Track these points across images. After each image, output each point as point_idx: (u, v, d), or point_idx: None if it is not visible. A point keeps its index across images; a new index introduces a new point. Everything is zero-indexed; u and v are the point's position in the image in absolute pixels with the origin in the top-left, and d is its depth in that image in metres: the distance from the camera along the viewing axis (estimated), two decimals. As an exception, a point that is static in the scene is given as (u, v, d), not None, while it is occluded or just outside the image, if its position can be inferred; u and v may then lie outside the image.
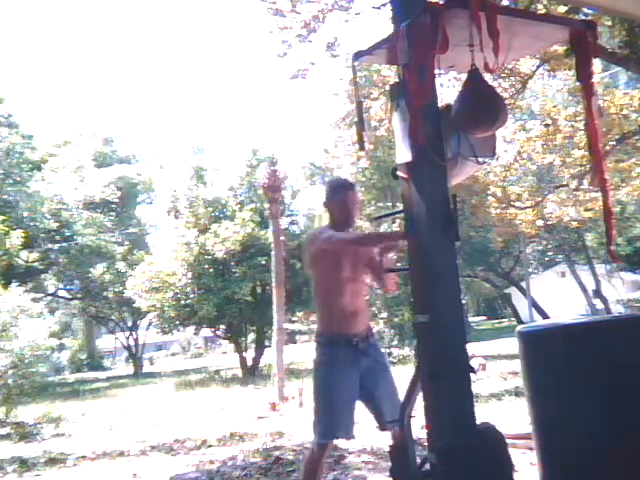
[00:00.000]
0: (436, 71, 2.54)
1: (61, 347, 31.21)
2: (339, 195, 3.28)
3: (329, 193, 3.36)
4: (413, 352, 13.29)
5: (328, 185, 3.61)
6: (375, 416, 3.17)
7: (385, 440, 4.78)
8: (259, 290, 17.55)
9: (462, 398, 2.48)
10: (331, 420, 3.08)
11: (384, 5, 8.64)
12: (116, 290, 23.77)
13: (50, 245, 22.49)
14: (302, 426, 6.93)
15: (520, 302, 28.60)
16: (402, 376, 3.34)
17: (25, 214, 20.24)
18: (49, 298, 28.78)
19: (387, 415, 3.06)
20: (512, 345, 4.56)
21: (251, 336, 19.98)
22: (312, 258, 3.27)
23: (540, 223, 14.21)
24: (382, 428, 3.17)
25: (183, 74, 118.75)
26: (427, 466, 2.50)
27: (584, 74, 2.73)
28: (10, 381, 9.51)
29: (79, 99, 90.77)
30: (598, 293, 24.49)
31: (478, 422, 2.50)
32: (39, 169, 24.14)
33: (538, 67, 9.81)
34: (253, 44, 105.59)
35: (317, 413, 3.14)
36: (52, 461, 6.17)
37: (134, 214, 29.05)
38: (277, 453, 5.50)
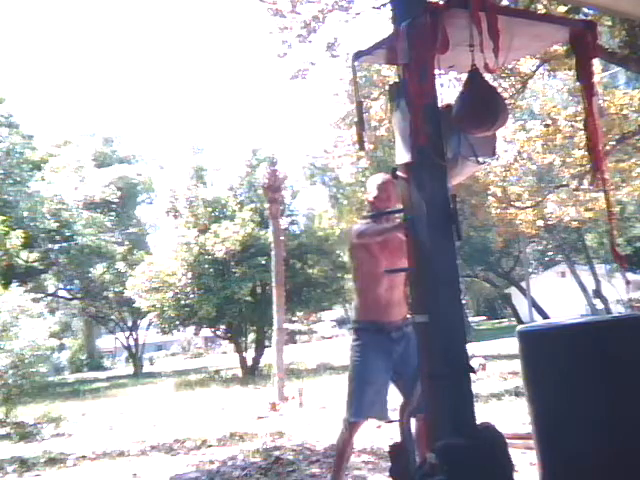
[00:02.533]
0: (436, 71, 2.54)
1: (61, 347, 31.26)
2: (384, 189, 3.46)
3: (375, 187, 3.51)
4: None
5: (374, 180, 3.66)
6: (404, 404, 3.25)
7: (385, 440, 4.80)
8: (259, 290, 17.55)
9: (462, 398, 2.48)
10: (363, 401, 3.25)
11: (384, 5, 8.64)
12: (116, 290, 23.79)
13: (50, 245, 22.47)
14: (302, 426, 6.94)
15: (520, 302, 28.60)
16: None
17: (25, 214, 20.22)
18: (49, 298, 28.76)
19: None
20: (512, 345, 4.55)
21: (251, 336, 19.99)
22: (350, 250, 3.57)
23: (540, 223, 14.22)
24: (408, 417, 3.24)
25: (183, 74, 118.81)
26: (427, 466, 2.50)
27: (584, 74, 2.72)
28: (10, 381, 9.52)
29: (79, 99, 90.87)
30: (598, 293, 24.49)
31: (478, 422, 2.50)
32: (39, 169, 24.13)
33: (538, 67, 9.80)
34: (253, 44, 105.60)
35: (350, 393, 3.32)
36: (52, 461, 6.16)
37: (134, 214, 29.03)
38: (277, 453, 5.49)
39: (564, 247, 27.11)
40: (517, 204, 13.62)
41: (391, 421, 3.21)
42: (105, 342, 40.98)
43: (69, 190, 22.92)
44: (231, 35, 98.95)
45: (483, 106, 2.46)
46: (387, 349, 3.30)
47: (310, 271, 18.29)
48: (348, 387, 3.35)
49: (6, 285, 11.96)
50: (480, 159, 2.70)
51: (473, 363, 2.87)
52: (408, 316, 3.43)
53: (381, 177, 3.66)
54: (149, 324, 26.45)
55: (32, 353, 9.92)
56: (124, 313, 27.14)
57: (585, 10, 5.91)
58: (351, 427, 3.30)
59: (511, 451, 2.55)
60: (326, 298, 19.40)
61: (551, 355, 2.48)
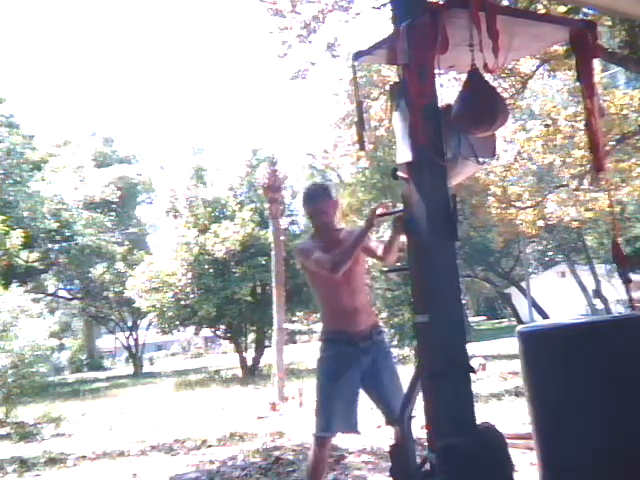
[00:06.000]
0: (436, 71, 2.54)
1: (61, 347, 31.23)
2: (316, 203, 3.28)
3: (305, 202, 3.35)
4: (413, 352, 13.29)
5: (304, 194, 3.47)
6: (382, 412, 3.24)
7: (385, 440, 4.80)
8: (259, 290, 17.54)
9: (462, 398, 2.48)
10: (329, 415, 3.14)
11: (384, 5, 8.65)
12: (116, 290, 23.77)
13: (50, 245, 22.47)
14: (302, 426, 6.94)
15: (520, 302, 28.57)
16: (402, 376, 3.34)
17: (25, 214, 20.21)
18: (49, 298, 28.78)
19: (390, 413, 3.10)
20: (512, 345, 4.55)
21: (251, 336, 19.98)
22: (302, 266, 3.36)
23: (540, 223, 14.21)
24: (388, 424, 3.25)
25: (183, 74, 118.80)
26: (427, 466, 2.50)
27: (584, 74, 2.72)
28: (10, 381, 9.51)
29: (79, 99, 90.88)
30: (598, 293, 24.46)
31: (478, 422, 2.50)
32: (39, 169, 24.12)
33: (538, 67, 9.81)
34: (253, 45, 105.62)
35: (318, 408, 3.22)
36: (52, 461, 6.16)
37: (134, 214, 29.04)
38: (277, 453, 5.49)
39: (564, 247, 27.09)
40: (517, 204, 13.62)
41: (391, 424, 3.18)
42: (105, 342, 40.97)
43: (69, 190, 22.92)
44: (231, 35, 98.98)
45: (483, 106, 2.46)
46: (355, 360, 3.15)
47: (310, 271, 18.27)
48: (316, 401, 3.24)
49: (6, 285, 11.96)
50: (480, 159, 2.70)
51: (473, 363, 2.87)
52: (379, 323, 3.39)
53: (313, 188, 3.48)
54: (149, 324, 26.45)
55: (32, 353, 9.91)
56: (124, 313, 27.14)
57: (585, 10, 5.90)
58: (321, 442, 3.16)
59: (511, 451, 2.55)
60: (326, 298, 19.38)
61: (551, 355, 2.48)
